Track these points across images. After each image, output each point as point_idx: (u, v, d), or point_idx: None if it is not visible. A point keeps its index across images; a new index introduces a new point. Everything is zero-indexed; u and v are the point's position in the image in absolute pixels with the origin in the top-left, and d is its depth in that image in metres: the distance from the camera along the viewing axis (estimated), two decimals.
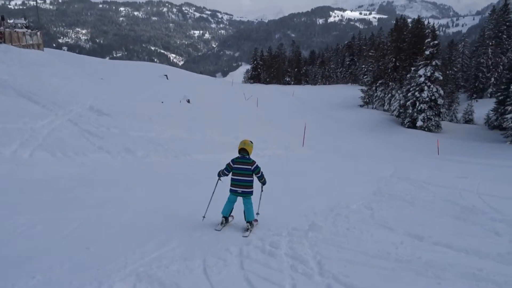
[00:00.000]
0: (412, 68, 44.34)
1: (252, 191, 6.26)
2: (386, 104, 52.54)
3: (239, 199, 6.34)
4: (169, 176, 10.70)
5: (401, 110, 43.77)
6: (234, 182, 6.17)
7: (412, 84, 41.22)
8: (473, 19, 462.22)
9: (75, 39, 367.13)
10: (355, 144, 29.79)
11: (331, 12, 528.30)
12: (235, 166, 6.11)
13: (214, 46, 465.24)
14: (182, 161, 13.12)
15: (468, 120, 47.80)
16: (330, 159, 20.72)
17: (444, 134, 37.89)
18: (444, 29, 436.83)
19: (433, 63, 39.36)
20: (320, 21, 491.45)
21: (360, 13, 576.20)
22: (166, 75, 37.39)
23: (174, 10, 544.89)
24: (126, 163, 11.26)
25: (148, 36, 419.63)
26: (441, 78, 40.24)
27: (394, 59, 57.95)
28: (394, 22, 66.74)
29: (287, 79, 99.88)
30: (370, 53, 68.41)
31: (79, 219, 6.07)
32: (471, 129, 41.97)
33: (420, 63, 40.69)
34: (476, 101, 59.93)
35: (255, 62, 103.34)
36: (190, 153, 14.29)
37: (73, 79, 21.77)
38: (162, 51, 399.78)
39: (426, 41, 41.47)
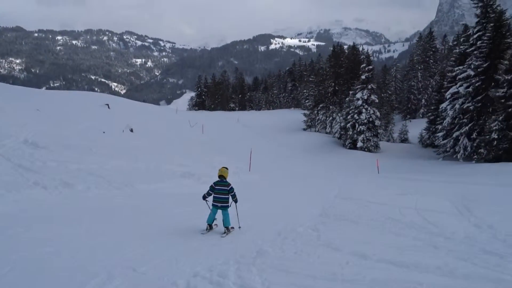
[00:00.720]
0: (350, 92, 46.47)
1: (229, 205, 8.13)
2: (328, 126, 54.39)
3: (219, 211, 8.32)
4: (112, 209, 10.26)
5: (342, 132, 45.44)
6: (215, 199, 8.02)
7: (351, 107, 43.10)
8: (403, 45, 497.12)
9: (8, 69, 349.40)
10: (300, 166, 30.38)
11: (272, 40, 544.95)
12: (216, 187, 8.02)
13: (157, 74, 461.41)
14: (126, 193, 12.66)
15: (404, 140, 50.52)
16: (276, 182, 20.92)
17: (382, 154, 39.69)
18: (377, 55, 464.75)
19: (369, 86, 41.53)
20: (262, 48, 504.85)
21: (300, 41, 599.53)
22: (107, 104, 36.32)
23: (115, 38, 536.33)
24: (64, 198, 10.68)
25: (88, 65, 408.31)
26: (377, 100, 42.49)
27: (333, 84, 60.46)
28: (331, 49, 70.07)
29: (232, 105, 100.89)
30: (310, 79, 71.00)
31: (12, 262, 5.62)
32: (407, 147, 44.35)
33: (357, 87, 42.78)
34: (410, 121, 63.70)
35: (199, 89, 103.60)
36: (134, 183, 13.85)
37: (5, 111, 20.56)
38: (103, 80, 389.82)
39: (362, 66, 43.81)
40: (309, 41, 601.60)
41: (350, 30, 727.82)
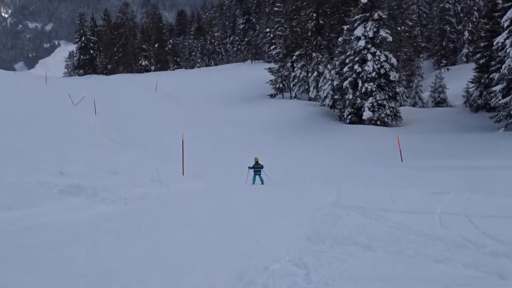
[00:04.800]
0: (345, 27, 46.88)
1: (261, 172, 24.80)
2: (311, 88, 54.61)
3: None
4: None
5: (336, 96, 45.81)
6: (255, 171, 24.53)
7: (348, 53, 43.48)
8: None
9: None
10: (271, 159, 30.48)
11: None
12: (255, 166, 24.55)
13: (6, 15, 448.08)
14: None
15: (440, 101, 51.55)
16: (230, 189, 20.88)
17: (406, 128, 40.43)
18: None
19: (375, 16, 42.00)
20: None
21: None
22: None
23: None
24: None
25: None
26: (390, 38, 42.99)
27: (314, 15, 60.82)
28: None
29: (144, 63, 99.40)
30: (276, 8, 70.95)
31: None
32: (446, 114, 45.40)
33: (356, 17, 43.18)
34: (447, 69, 65.28)
35: (83, 38, 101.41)
36: None
37: None
38: None
39: None
40: None
41: None
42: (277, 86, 58.61)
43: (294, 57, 58.74)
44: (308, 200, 15.67)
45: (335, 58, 47.87)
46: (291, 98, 57.77)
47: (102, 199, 16.36)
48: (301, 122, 44.41)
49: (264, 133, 40.52)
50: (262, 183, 24.22)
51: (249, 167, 24.64)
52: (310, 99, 54.92)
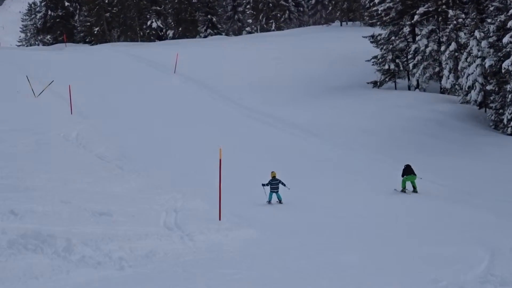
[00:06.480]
0: None
1: (278, 189, 33.83)
2: (446, 71, 54.12)
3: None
4: None
5: (489, 87, 45.43)
6: (272, 187, 33.23)
7: (510, 12, 43.08)
8: None
9: None
10: (374, 192, 30.41)
11: None
12: (272, 182, 33.11)
13: None
14: None
15: None
16: (298, 244, 20.79)
17: None
18: None
19: None
20: None
21: None
22: None
23: None
24: None
25: None
26: None
27: None
28: None
29: (155, 25, 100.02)
30: None
31: None
32: None
33: None
34: None
35: None
36: None
37: None
38: None
39: None
40: None
41: None
42: (386, 67, 58.37)
43: (415, 18, 58.43)
44: (436, 268, 15.44)
45: (489, 20, 47.52)
46: (409, 89, 57.69)
47: (81, 258, 16.13)
48: (425, 131, 44.05)
49: (362, 148, 40.32)
50: (280, 202, 32.27)
51: (263, 184, 31.86)
52: (443, 90, 54.74)
